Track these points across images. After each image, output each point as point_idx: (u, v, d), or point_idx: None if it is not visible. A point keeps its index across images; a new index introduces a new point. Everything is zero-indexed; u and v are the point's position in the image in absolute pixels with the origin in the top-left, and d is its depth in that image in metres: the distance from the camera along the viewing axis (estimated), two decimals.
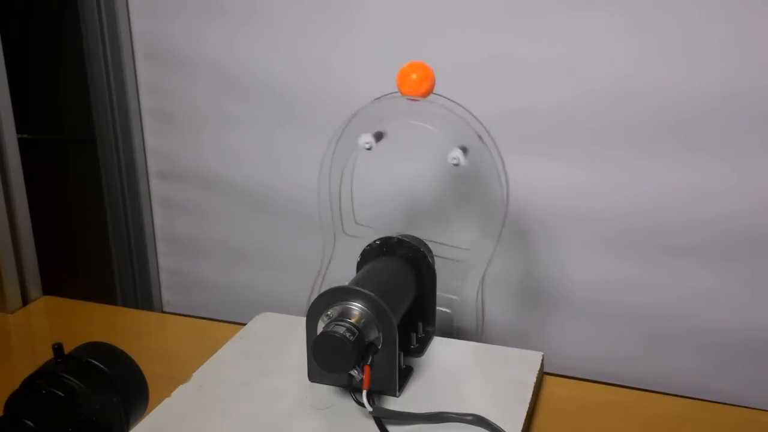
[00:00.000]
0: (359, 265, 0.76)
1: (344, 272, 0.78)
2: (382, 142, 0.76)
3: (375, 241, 0.76)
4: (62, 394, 0.51)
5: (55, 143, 1.50)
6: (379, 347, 0.65)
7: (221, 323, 0.93)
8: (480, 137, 0.72)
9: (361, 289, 0.64)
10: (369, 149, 0.75)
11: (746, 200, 0.83)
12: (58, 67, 1.43)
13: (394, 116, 0.76)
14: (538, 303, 0.95)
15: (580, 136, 0.87)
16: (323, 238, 0.81)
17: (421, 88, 0.72)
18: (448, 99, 0.74)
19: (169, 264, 1.16)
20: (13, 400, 0.52)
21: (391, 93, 0.74)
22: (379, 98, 0.75)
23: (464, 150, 0.72)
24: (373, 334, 0.64)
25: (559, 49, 0.85)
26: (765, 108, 0.79)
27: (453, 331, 0.79)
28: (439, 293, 0.77)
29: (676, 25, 0.80)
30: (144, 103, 1.08)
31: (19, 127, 0.95)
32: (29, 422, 0.48)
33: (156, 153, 1.10)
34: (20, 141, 0.95)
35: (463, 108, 0.74)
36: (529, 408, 0.67)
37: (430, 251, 0.76)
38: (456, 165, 0.72)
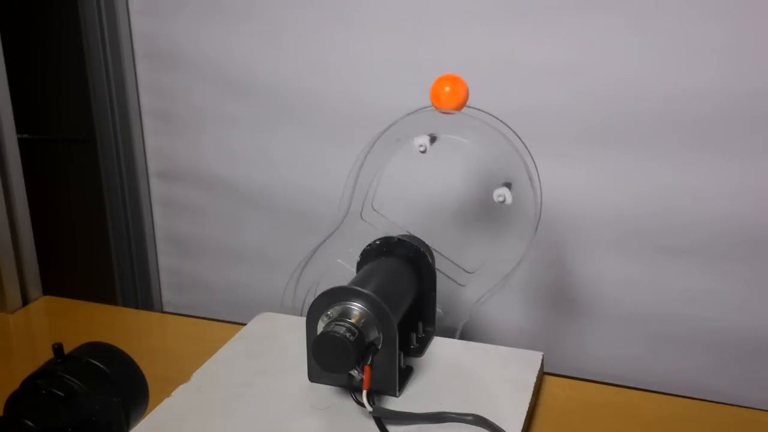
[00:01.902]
0: (359, 265, 0.76)
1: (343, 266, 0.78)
2: (435, 144, 0.75)
3: (375, 241, 0.76)
4: (62, 394, 0.51)
5: (55, 143, 1.50)
6: (379, 347, 0.65)
7: (221, 323, 0.93)
8: (530, 177, 0.71)
9: (361, 289, 0.64)
10: (423, 152, 0.73)
11: (746, 200, 0.83)
12: (58, 67, 1.43)
13: (431, 128, 0.74)
14: (538, 303, 0.95)
15: (580, 136, 0.87)
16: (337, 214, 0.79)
17: (453, 101, 0.71)
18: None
19: (169, 264, 1.16)
20: (13, 400, 0.52)
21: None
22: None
23: (509, 185, 0.72)
24: (373, 334, 0.64)
25: (559, 49, 0.85)
26: (765, 108, 0.79)
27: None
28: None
29: (676, 24, 0.80)
30: (144, 103, 1.08)
31: (19, 127, 0.95)
32: (29, 422, 0.48)
33: (156, 153, 1.10)
34: (20, 141, 0.95)
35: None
36: (529, 408, 0.67)
37: (430, 251, 0.76)
38: (502, 202, 0.71)
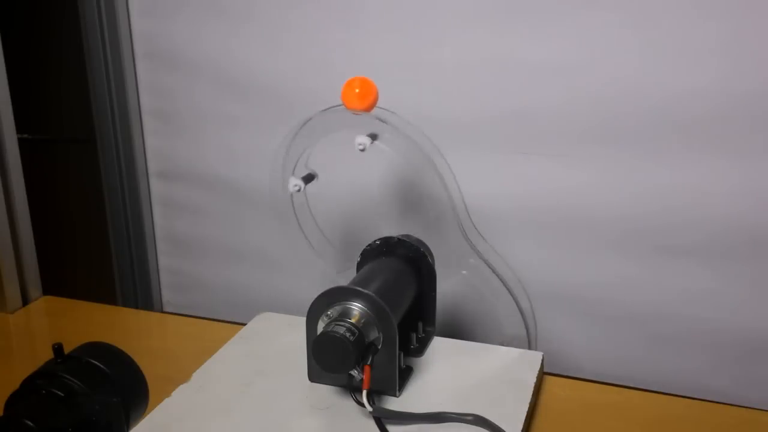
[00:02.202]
0: (359, 265, 0.76)
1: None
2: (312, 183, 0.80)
3: (375, 241, 0.76)
4: (62, 394, 0.51)
5: (55, 143, 1.50)
6: (379, 347, 0.65)
7: (221, 323, 0.93)
8: (384, 121, 0.74)
9: (361, 289, 0.64)
10: (298, 191, 0.79)
11: (746, 200, 0.83)
12: (58, 67, 1.43)
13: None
14: (539, 303, 0.95)
15: (580, 136, 0.87)
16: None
17: (364, 102, 0.74)
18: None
19: (169, 264, 1.16)
20: (13, 400, 0.52)
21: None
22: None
23: (373, 136, 0.74)
24: (373, 334, 0.64)
25: (559, 49, 0.85)
26: (765, 108, 0.79)
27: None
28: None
29: (676, 24, 0.80)
30: (144, 103, 1.08)
31: (19, 127, 0.95)
32: (29, 422, 0.48)
33: (156, 153, 1.10)
34: (20, 141, 0.95)
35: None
36: (529, 408, 0.67)
37: (430, 251, 0.76)
38: (362, 150, 0.73)
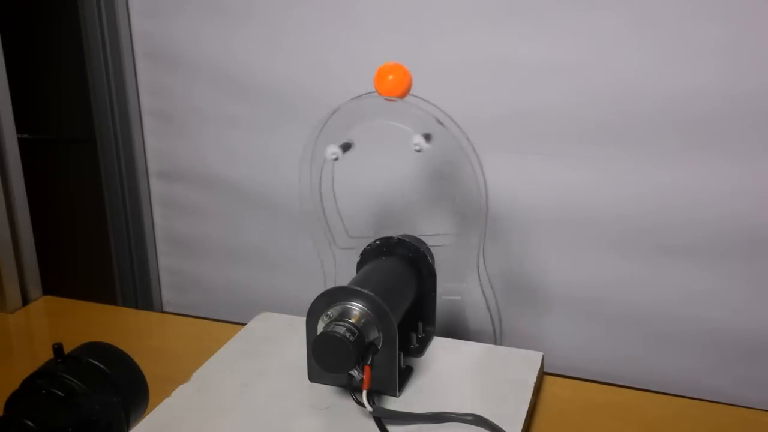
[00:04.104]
0: (359, 265, 0.76)
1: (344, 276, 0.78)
2: (351, 151, 0.77)
3: (375, 241, 0.76)
4: (62, 394, 0.51)
5: (55, 143, 1.50)
6: (379, 347, 0.65)
7: (221, 323, 0.93)
8: (440, 122, 0.72)
9: (361, 289, 0.64)
10: (336, 160, 0.76)
11: (746, 200, 0.83)
12: (58, 67, 1.43)
13: (365, 119, 0.76)
14: (539, 303, 0.95)
15: (580, 136, 0.87)
16: (319, 255, 0.82)
17: (398, 89, 0.72)
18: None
19: (169, 264, 1.16)
20: (13, 400, 0.52)
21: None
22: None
23: (427, 137, 0.72)
24: (373, 334, 0.64)
25: (559, 49, 0.85)
26: (765, 108, 0.79)
27: (469, 334, 0.80)
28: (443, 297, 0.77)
29: (676, 25, 0.80)
30: (144, 103, 1.08)
31: (19, 127, 0.95)
32: (29, 422, 0.48)
33: (156, 153, 1.10)
34: (20, 141, 0.95)
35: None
36: (529, 408, 0.67)
37: (430, 251, 0.76)
38: (418, 151, 0.71)
